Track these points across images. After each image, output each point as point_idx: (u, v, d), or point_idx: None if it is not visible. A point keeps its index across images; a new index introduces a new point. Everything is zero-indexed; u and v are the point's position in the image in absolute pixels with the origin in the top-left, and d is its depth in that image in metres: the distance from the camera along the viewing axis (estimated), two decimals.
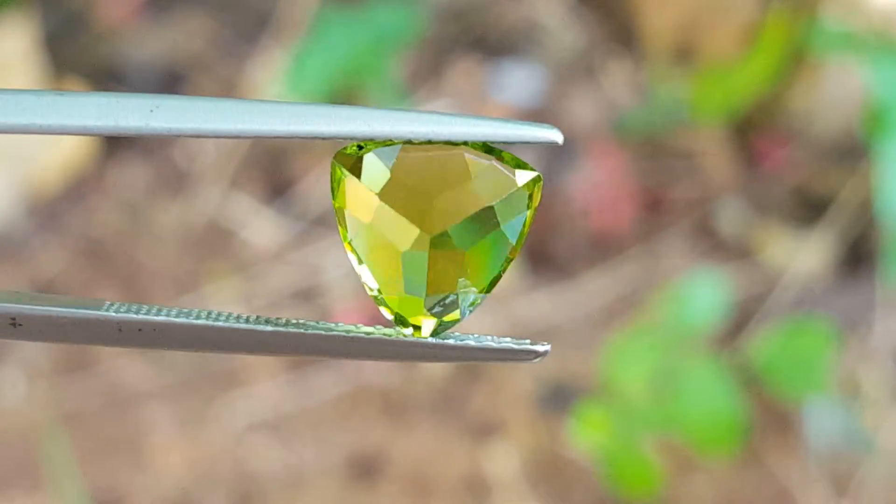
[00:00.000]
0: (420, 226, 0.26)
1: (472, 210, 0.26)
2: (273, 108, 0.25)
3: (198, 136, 0.25)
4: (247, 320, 0.26)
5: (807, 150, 1.03)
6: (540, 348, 0.27)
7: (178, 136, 0.25)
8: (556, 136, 0.25)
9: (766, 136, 1.04)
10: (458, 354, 0.27)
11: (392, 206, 0.26)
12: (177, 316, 0.26)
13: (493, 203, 0.26)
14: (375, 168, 0.26)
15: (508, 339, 0.27)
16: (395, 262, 0.26)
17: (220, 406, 0.92)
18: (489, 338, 0.27)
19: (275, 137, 0.25)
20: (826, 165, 1.02)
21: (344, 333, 0.27)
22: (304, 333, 0.26)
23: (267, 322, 0.26)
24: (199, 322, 0.26)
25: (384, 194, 0.26)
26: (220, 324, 0.26)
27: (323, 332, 0.27)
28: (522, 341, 0.27)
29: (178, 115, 0.24)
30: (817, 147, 1.03)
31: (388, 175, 0.26)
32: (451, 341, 0.27)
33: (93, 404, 0.91)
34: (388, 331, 0.27)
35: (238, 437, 0.91)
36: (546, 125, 0.25)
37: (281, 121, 0.25)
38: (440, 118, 0.25)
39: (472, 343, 0.27)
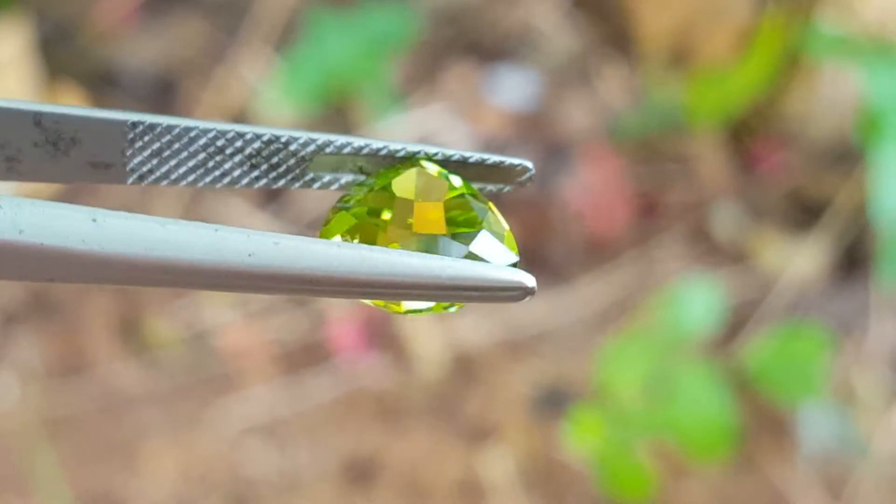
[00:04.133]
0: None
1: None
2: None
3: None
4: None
5: (802, 155, 1.03)
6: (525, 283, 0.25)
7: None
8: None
9: (762, 141, 1.04)
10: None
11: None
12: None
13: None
14: None
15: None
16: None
17: (214, 410, 0.92)
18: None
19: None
20: (821, 170, 1.02)
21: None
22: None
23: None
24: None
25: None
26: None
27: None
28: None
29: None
30: (812, 151, 1.03)
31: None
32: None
33: (87, 408, 0.91)
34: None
35: (233, 441, 0.91)
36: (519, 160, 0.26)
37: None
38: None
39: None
